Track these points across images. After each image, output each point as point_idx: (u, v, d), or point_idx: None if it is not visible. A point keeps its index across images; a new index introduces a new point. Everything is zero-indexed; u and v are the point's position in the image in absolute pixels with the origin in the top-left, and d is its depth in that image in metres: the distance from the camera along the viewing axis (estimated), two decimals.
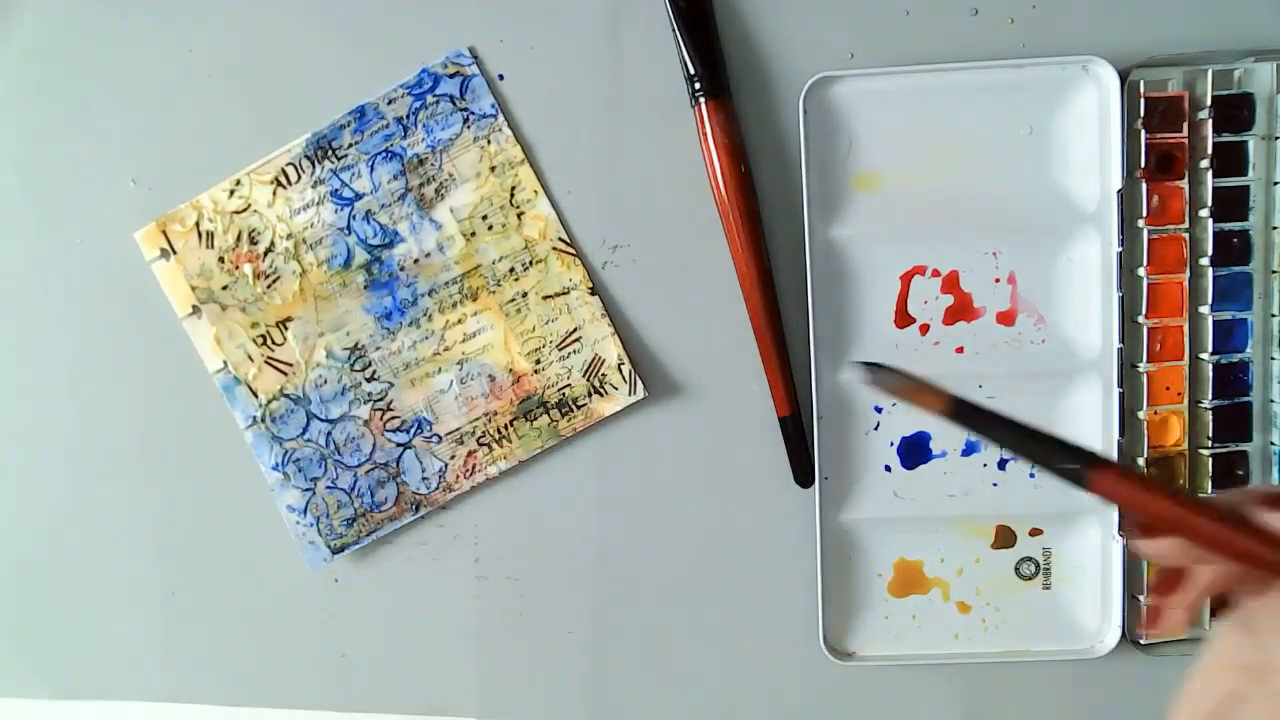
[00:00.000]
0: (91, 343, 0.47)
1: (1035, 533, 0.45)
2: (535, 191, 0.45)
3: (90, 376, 0.47)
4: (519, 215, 0.45)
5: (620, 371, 0.45)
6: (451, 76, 0.45)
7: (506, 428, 0.46)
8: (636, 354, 0.46)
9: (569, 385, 0.45)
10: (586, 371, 0.45)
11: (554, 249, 0.45)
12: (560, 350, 0.45)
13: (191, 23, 0.45)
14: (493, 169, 0.45)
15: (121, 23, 0.45)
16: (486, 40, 0.45)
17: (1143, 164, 0.43)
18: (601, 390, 0.45)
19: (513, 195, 0.45)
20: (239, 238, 0.46)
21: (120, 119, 0.46)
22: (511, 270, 0.46)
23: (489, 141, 0.45)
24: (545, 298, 0.45)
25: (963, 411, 0.31)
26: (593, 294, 0.45)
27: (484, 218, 0.45)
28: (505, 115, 0.45)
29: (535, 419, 0.46)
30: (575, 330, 0.45)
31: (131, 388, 0.46)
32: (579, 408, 0.46)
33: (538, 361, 0.46)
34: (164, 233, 0.46)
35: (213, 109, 0.45)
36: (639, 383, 0.45)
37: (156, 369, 0.46)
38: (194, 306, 0.46)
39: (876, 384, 0.33)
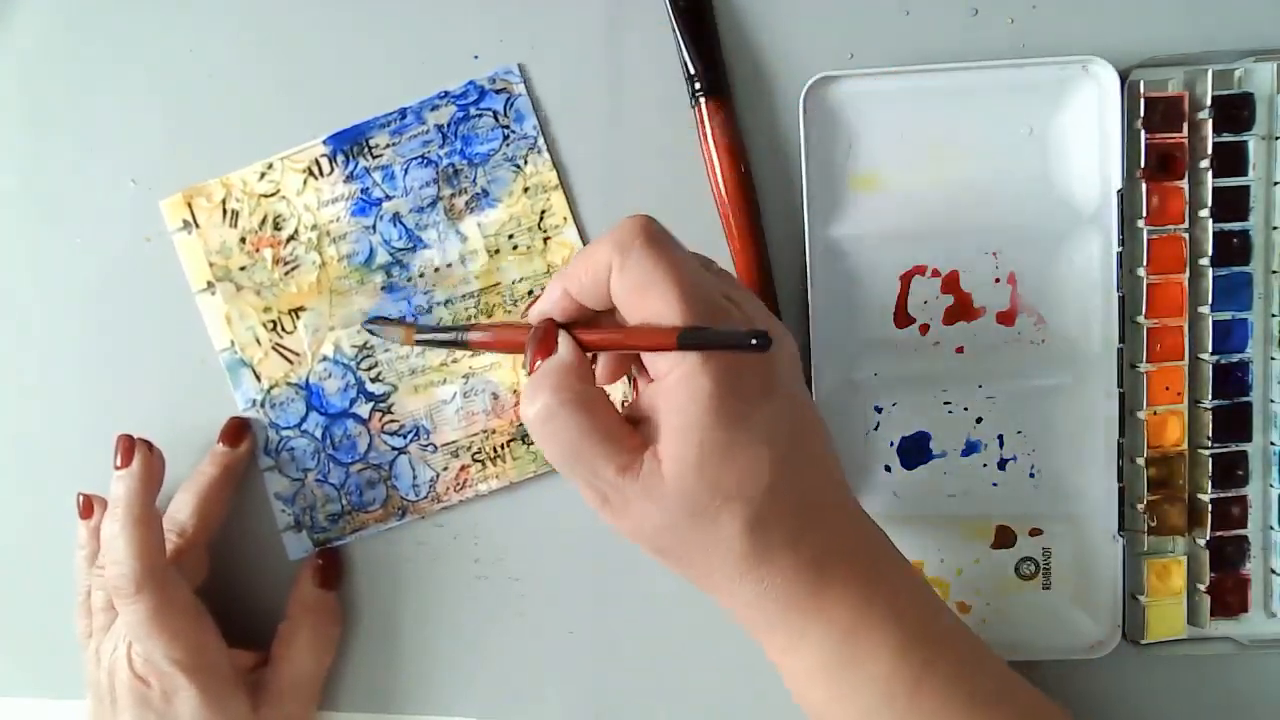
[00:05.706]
0: (101, 335, 0.47)
1: (1035, 533, 0.45)
2: (564, 218, 0.45)
3: (94, 364, 0.47)
4: (545, 240, 0.45)
5: (622, 407, 0.44)
6: (498, 92, 0.45)
7: (503, 448, 0.46)
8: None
9: None
10: None
11: None
12: None
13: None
14: (525, 190, 0.45)
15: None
16: (486, 40, 0.45)
17: (1143, 164, 0.43)
18: None
19: (542, 219, 0.45)
20: (263, 221, 0.45)
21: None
22: (530, 292, 0.45)
23: (525, 162, 0.45)
24: None
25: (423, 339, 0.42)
26: None
27: (510, 237, 0.45)
28: (546, 139, 0.45)
29: (532, 443, 0.46)
30: None
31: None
32: None
33: None
34: (189, 205, 0.46)
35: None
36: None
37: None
38: (209, 283, 0.46)
39: (378, 334, 0.45)
